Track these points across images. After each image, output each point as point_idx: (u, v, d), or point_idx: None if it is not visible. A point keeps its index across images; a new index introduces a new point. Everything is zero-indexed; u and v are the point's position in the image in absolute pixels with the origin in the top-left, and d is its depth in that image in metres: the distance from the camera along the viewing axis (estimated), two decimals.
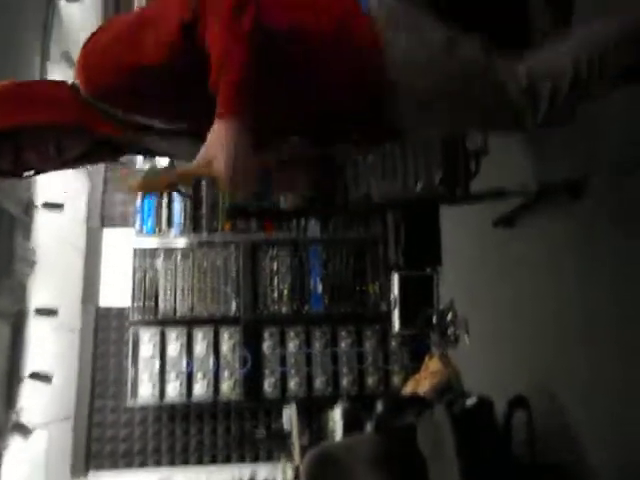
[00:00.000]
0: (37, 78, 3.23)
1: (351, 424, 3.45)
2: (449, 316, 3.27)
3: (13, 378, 2.99)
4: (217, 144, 1.07)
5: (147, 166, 1.22)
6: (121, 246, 4.05)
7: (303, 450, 3.39)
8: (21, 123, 1.21)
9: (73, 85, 1.24)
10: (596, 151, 1.75)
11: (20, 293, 3.11)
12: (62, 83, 1.28)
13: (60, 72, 3.43)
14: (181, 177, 1.19)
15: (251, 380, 3.79)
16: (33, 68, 3.20)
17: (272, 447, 3.90)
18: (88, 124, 1.24)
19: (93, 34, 1.23)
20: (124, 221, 4.26)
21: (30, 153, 1.23)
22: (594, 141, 1.75)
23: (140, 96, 1.20)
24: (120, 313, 4.09)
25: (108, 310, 4.16)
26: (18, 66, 3.01)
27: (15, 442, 2.88)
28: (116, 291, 4.09)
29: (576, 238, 1.87)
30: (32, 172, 1.31)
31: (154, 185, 1.22)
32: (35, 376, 3.09)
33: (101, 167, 4.35)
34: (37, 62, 3.25)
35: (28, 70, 3.14)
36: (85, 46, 1.22)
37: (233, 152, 1.06)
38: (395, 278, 3.51)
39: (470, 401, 2.18)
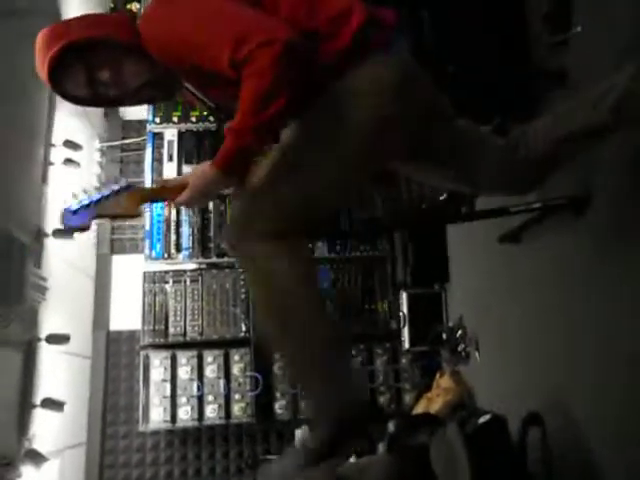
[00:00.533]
0: (44, 121, 3.32)
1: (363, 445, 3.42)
2: (459, 332, 3.26)
3: (25, 406, 3.00)
4: (199, 181, 1.25)
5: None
6: (131, 272, 4.08)
7: None
8: (97, 36, 1.30)
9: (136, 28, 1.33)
10: (598, 166, 1.77)
11: (32, 321, 3.14)
12: (130, 24, 1.35)
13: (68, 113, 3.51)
14: (146, 195, 1.35)
15: (262, 402, 3.78)
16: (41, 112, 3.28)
17: None
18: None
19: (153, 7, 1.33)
20: (133, 248, 4.31)
21: (103, 71, 1.32)
22: (596, 156, 1.76)
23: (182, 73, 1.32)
24: (131, 336, 4.11)
25: (119, 334, 4.18)
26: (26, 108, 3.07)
27: (28, 470, 2.88)
28: (126, 315, 4.11)
29: (581, 253, 1.87)
30: (108, 101, 1.40)
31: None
32: (47, 403, 3.10)
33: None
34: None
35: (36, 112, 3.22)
36: (146, 14, 1.33)
37: (203, 193, 1.27)
38: (403, 296, 3.51)
39: (483, 419, 2.16)
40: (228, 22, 1.19)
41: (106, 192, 1.30)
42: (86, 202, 1.29)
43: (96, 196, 1.30)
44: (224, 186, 1.28)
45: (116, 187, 1.30)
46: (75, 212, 1.29)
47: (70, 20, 1.36)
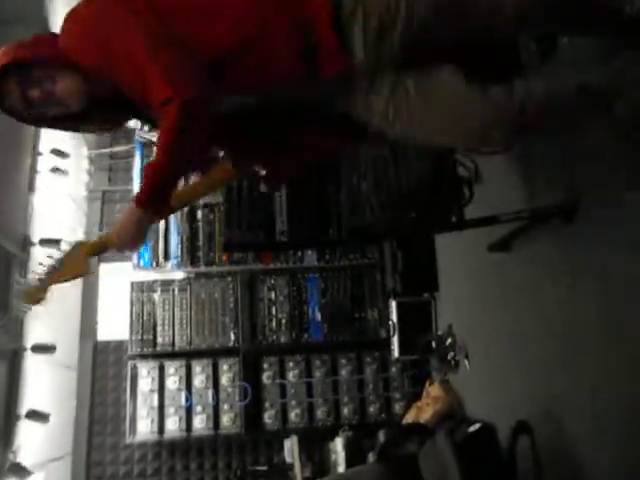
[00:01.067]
0: (31, 129, 3.29)
1: (353, 454, 3.41)
2: (448, 341, 3.26)
3: (10, 417, 2.95)
4: (124, 222, 1.35)
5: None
6: (119, 280, 4.04)
7: None
8: (24, 57, 1.33)
9: None
10: (586, 174, 1.78)
11: (17, 330, 3.10)
12: None
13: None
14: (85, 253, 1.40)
15: (251, 412, 3.75)
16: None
17: None
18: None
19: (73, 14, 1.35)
20: (121, 255, 4.26)
21: (34, 90, 1.34)
22: (584, 165, 1.78)
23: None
24: (118, 346, 4.06)
25: (106, 344, 4.13)
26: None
27: None
28: (114, 325, 4.07)
29: (571, 260, 1.88)
30: (38, 118, 1.42)
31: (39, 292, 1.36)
32: (32, 415, 3.05)
33: (98, 203, 4.38)
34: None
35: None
36: (69, 16, 1.35)
37: (130, 232, 1.35)
38: (393, 305, 3.51)
39: (473, 427, 2.16)
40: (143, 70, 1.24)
41: (55, 259, 1.37)
42: (41, 276, 1.35)
43: (49, 266, 1.36)
44: (148, 220, 1.35)
45: (61, 253, 1.37)
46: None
47: (18, 42, 1.39)
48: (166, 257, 3.88)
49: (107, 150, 4.45)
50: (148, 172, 1.30)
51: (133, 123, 4.07)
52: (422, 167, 2.11)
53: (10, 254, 2.99)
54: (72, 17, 1.34)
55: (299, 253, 3.90)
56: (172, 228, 3.89)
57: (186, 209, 3.87)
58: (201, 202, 3.90)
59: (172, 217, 3.88)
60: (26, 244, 3.25)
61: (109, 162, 4.48)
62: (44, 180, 3.50)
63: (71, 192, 4.10)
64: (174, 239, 3.89)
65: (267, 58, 1.31)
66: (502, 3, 1.31)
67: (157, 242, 3.88)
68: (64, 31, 1.35)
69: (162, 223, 3.87)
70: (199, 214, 3.92)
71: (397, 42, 1.28)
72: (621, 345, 1.62)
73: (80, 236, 4.19)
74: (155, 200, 1.32)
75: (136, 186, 4.02)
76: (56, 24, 3.60)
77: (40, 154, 3.50)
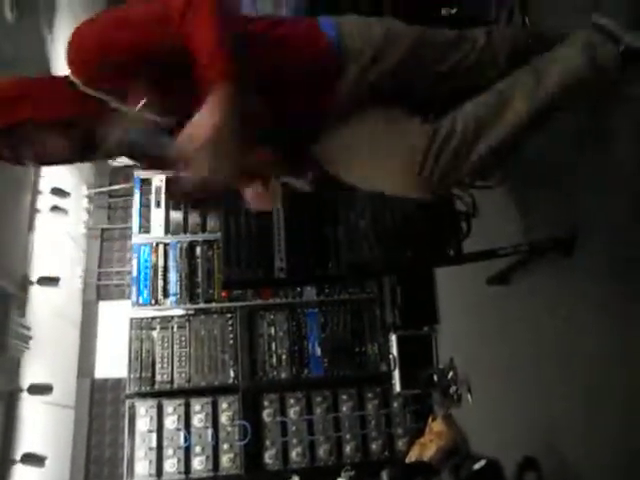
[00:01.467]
0: (31, 169, 3.31)
1: None
2: (450, 374, 3.23)
3: (5, 461, 2.89)
4: (210, 110, 1.05)
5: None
6: (117, 318, 4.02)
7: None
8: (15, 121, 1.24)
9: (68, 79, 1.28)
10: (583, 207, 1.80)
11: (14, 371, 3.06)
12: (58, 78, 1.32)
13: None
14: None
15: (251, 452, 3.67)
16: None
17: None
18: (88, 114, 1.27)
19: (82, 25, 1.29)
20: (120, 293, 4.26)
21: (26, 151, 1.28)
22: (581, 197, 1.80)
23: (127, 81, 1.22)
24: (116, 384, 4.02)
25: (104, 382, 4.09)
26: None
27: None
28: (112, 363, 4.03)
29: (569, 293, 1.88)
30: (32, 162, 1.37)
31: None
32: (28, 458, 2.99)
33: (97, 241, 4.40)
34: None
35: None
36: (76, 33, 1.27)
37: (223, 118, 1.04)
38: (393, 338, 3.49)
39: (478, 465, 2.12)
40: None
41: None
42: None
43: None
44: (236, 98, 1.06)
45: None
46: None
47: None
48: (165, 294, 3.87)
49: (106, 189, 4.49)
50: (205, 41, 1.10)
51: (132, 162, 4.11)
52: (420, 202, 2.13)
53: (8, 294, 2.98)
54: (80, 29, 1.28)
55: (298, 288, 3.90)
56: (171, 265, 3.89)
57: (185, 245, 3.88)
58: (200, 239, 3.92)
59: (171, 254, 3.88)
60: (25, 283, 3.24)
61: (108, 200, 4.52)
62: (44, 219, 3.52)
63: (70, 230, 4.11)
64: (173, 276, 3.89)
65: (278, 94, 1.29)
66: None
67: (156, 279, 3.87)
68: (72, 47, 1.28)
69: (161, 260, 3.87)
70: (198, 251, 3.93)
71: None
72: (619, 373, 1.61)
73: (79, 273, 4.19)
74: (233, 62, 1.09)
75: (135, 224, 4.00)
76: (58, 66, 3.67)
77: (40, 193, 3.53)
